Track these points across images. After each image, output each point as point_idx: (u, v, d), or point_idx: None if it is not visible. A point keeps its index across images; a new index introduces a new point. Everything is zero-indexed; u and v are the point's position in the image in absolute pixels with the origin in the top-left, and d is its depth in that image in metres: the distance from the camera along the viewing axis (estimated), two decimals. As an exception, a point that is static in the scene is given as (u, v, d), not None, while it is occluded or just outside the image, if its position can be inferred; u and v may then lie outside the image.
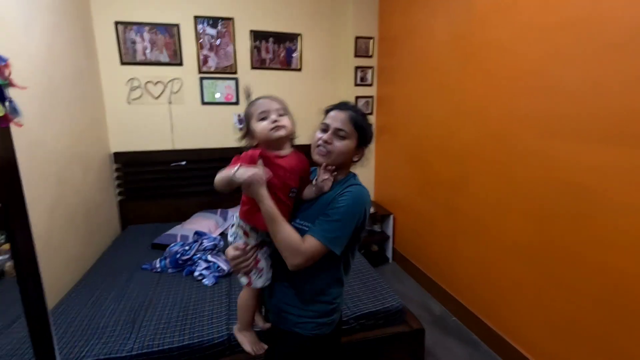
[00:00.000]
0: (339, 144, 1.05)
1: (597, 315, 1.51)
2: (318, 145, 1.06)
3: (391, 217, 3.30)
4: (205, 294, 1.94)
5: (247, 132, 1.07)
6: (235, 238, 1.11)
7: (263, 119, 1.01)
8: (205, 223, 2.80)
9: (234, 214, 1.88)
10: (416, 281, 2.96)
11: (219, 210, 3.09)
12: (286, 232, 0.99)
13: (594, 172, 1.48)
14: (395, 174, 3.25)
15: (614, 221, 1.42)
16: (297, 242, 0.99)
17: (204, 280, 2.09)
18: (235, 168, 0.95)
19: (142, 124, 3.06)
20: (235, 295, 1.91)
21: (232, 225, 1.14)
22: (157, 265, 2.25)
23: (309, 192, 1.10)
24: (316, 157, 1.08)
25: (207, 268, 2.17)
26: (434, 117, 2.60)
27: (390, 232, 3.33)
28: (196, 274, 2.14)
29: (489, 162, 2.08)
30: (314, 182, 1.12)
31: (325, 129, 1.07)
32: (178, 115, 3.14)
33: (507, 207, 1.96)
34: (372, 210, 3.30)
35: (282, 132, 1.01)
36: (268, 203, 0.97)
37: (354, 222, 1.03)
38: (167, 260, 2.26)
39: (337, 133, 1.05)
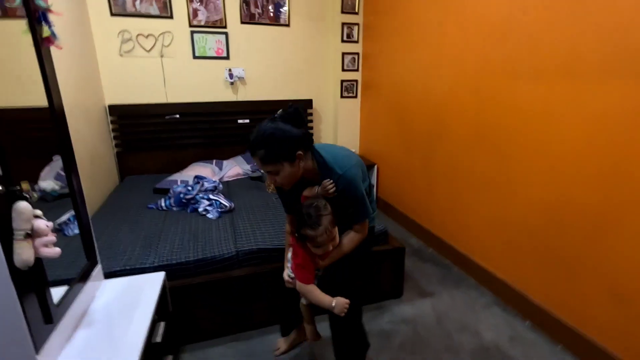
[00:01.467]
0: (280, 178, 1.22)
1: (541, 229, 1.83)
2: (275, 184, 1.30)
3: (375, 167, 3.56)
4: (211, 225, 2.16)
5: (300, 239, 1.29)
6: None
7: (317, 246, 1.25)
8: (202, 170, 2.98)
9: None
10: (398, 223, 3.28)
11: (214, 161, 3.26)
12: (340, 253, 1.34)
13: (550, 104, 1.75)
14: (379, 128, 3.49)
15: (561, 147, 1.71)
16: (353, 241, 1.34)
17: (208, 214, 2.31)
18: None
19: (134, 76, 3.13)
20: (239, 226, 2.15)
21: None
22: (162, 204, 2.45)
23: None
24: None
25: (210, 205, 2.38)
26: (415, 71, 2.81)
27: (374, 181, 3.60)
28: (200, 209, 2.35)
29: (463, 110, 2.32)
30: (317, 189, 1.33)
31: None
32: (170, 68, 3.21)
33: (476, 149, 2.24)
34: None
35: (320, 254, 1.30)
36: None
37: (363, 191, 1.31)
38: (172, 200, 2.45)
39: (270, 174, 1.23)
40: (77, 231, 1.29)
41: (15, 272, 0.86)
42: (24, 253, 0.85)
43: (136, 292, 1.36)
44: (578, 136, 1.61)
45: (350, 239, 1.34)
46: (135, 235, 2.02)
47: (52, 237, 0.94)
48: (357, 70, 3.68)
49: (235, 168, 3.26)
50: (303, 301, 1.47)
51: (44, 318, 0.98)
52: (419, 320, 1.99)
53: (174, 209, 2.43)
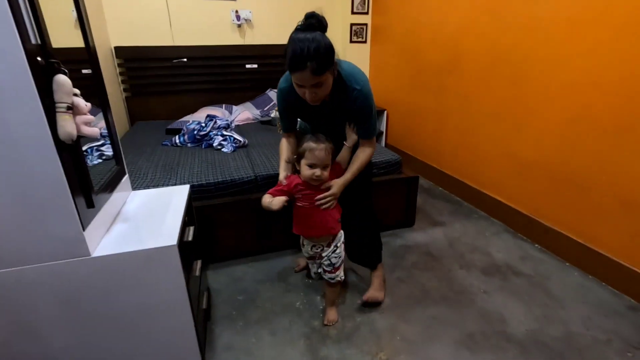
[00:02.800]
0: (322, 90, 1.21)
1: (555, 150, 1.85)
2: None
3: (385, 113, 3.54)
4: (227, 156, 2.19)
5: (299, 159, 1.34)
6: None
7: (311, 166, 1.29)
8: (213, 112, 2.97)
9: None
10: (408, 167, 3.30)
11: (224, 105, 3.24)
12: (360, 166, 1.41)
13: (574, 15, 1.71)
14: (389, 73, 3.43)
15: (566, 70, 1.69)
16: (369, 155, 1.43)
17: (223, 149, 2.33)
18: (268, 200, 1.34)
19: (140, 17, 3.05)
20: (255, 157, 2.17)
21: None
22: (177, 141, 2.46)
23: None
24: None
25: (224, 140, 2.39)
26: (428, 4, 2.72)
27: (383, 127, 3.60)
28: (215, 144, 2.37)
29: (479, 37, 2.28)
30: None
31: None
32: (175, 8, 3.12)
33: (491, 78, 2.21)
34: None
35: (316, 183, 1.34)
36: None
37: (375, 107, 1.40)
38: (186, 136, 2.47)
39: (314, 87, 1.19)
40: (96, 161, 1.29)
41: (60, 146, 0.89)
42: (67, 125, 0.88)
43: (165, 199, 1.41)
44: (601, 46, 1.59)
45: (365, 153, 1.42)
46: (153, 164, 2.05)
47: (91, 117, 0.96)
48: (367, 13, 3.56)
49: (245, 113, 3.24)
50: (313, 274, 1.61)
51: (86, 202, 1.03)
52: (431, 244, 2.06)
53: (189, 145, 2.45)
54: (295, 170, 1.42)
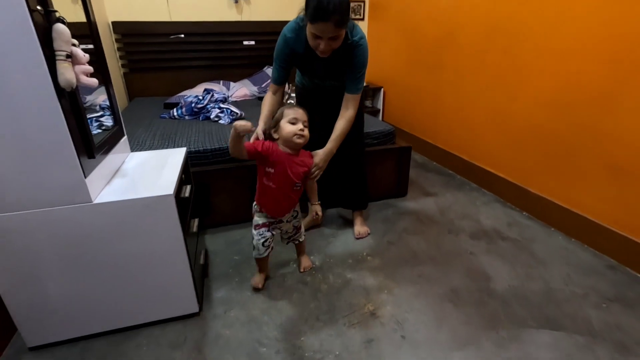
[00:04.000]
0: (336, 43, 1.32)
1: (546, 119, 1.89)
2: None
3: (381, 90, 3.56)
4: (224, 127, 2.23)
5: (275, 125, 1.33)
6: None
7: (293, 123, 1.28)
8: (211, 87, 3.00)
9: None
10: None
11: (222, 81, 3.27)
12: (343, 132, 1.52)
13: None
14: (386, 50, 3.43)
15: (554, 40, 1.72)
16: (350, 120, 1.53)
17: (220, 120, 2.37)
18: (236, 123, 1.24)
19: (136, -9, 3.04)
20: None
21: None
22: (175, 114, 2.50)
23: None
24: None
25: (221, 112, 2.43)
26: (426, -23, 2.72)
27: (380, 105, 3.62)
28: (212, 116, 2.41)
29: (474, 8, 2.29)
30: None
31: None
32: (172, -17, 3.11)
33: (486, 50, 2.23)
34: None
35: (301, 141, 1.30)
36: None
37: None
38: (184, 109, 2.51)
39: (331, 39, 1.29)
40: (95, 132, 1.32)
41: (60, 94, 0.94)
42: (66, 73, 0.92)
43: (162, 159, 1.46)
44: (592, 13, 1.61)
45: (346, 119, 1.54)
46: (151, 134, 2.10)
47: (89, 67, 1.00)
48: (364, -11, 3.55)
49: (242, 89, 3.27)
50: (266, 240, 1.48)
51: (87, 151, 1.08)
52: (422, 212, 2.13)
53: (186, 117, 2.49)
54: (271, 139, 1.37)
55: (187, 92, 2.92)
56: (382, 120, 3.66)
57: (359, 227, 1.89)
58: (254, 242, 1.44)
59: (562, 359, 1.17)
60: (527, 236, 1.87)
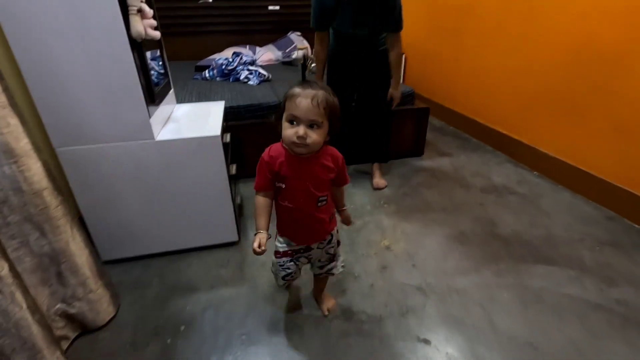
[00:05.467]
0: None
1: (560, 80, 1.97)
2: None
3: (403, 56, 3.61)
4: (254, 88, 2.40)
5: (279, 118, 0.92)
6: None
7: (292, 122, 0.87)
8: (239, 51, 3.14)
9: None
10: (421, 109, 3.44)
11: (248, 45, 3.40)
12: (397, 63, 1.89)
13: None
14: (407, 15, 3.41)
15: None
16: (399, 55, 1.90)
17: (249, 82, 2.54)
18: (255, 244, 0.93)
19: (168, -44, 3.15)
20: (279, 88, 2.37)
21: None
22: (206, 75, 2.68)
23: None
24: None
25: (250, 74, 2.59)
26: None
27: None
28: (241, 77, 2.57)
29: (499, -29, 2.31)
30: None
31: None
32: (201, -53, 3.19)
33: (506, 14, 2.28)
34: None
35: (302, 150, 0.89)
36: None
37: None
38: (215, 71, 2.68)
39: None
40: None
41: (133, 44, 1.12)
42: (137, 25, 1.10)
43: (205, 109, 1.65)
44: (610, -22, 1.66)
45: (396, 54, 1.84)
46: (188, 92, 2.29)
47: (154, 21, 1.18)
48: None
49: (267, 54, 3.39)
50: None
51: (150, 97, 1.28)
52: (437, 169, 2.28)
53: (217, 79, 2.66)
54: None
55: (216, 56, 3.08)
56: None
57: (378, 179, 2.06)
58: (273, 269, 1.14)
59: (552, 287, 1.35)
60: (535, 192, 2.00)
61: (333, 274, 1.18)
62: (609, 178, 1.79)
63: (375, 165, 2.12)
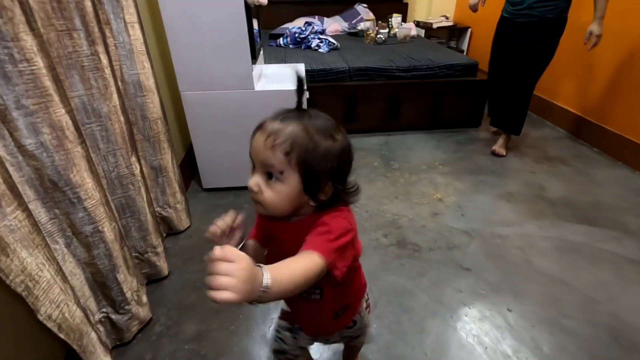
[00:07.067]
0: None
1: (625, 64, 1.96)
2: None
3: (468, 31, 3.61)
4: (324, 55, 2.63)
5: None
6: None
7: (254, 167, 0.57)
8: (310, 20, 3.37)
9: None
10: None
11: (317, 16, 3.61)
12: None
13: None
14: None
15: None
16: None
17: (319, 49, 2.77)
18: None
19: None
20: (347, 56, 2.58)
21: None
22: (281, 42, 2.95)
23: None
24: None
25: (320, 42, 2.82)
26: None
27: (464, 46, 3.70)
28: (312, 45, 2.81)
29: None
30: None
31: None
32: None
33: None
34: (450, 23, 3.65)
35: (260, 210, 0.57)
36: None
37: None
38: (288, 38, 2.94)
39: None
40: None
41: (248, 8, 1.41)
42: (253, -7, 1.37)
43: (288, 68, 1.93)
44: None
45: None
46: (266, 56, 2.58)
47: None
48: None
49: (334, 25, 3.58)
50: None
51: (252, 55, 1.57)
52: (492, 140, 2.38)
53: (290, 46, 2.93)
54: None
55: (288, 25, 3.33)
56: (465, 61, 3.74)
57: (500, 147, 2.17)
58: (268, 333, 1.00)
59: (592, 242, 1.49)
60: (591, 165, 2.06)
61: (356, 346, 0.91)
62: (671, 154, 1.81)
63: (504, 135, 2.19)
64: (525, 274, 1.34)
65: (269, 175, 0.53)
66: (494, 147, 2.19)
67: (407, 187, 1.88)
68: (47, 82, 0.75)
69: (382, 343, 1.11)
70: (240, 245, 0.61)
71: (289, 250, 0.52)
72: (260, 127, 0.55)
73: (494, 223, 1.61)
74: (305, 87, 0.57)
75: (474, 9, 2.17)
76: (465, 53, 3.72)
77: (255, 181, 0.54)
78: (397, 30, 3.20)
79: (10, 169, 0.72)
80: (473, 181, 1.93)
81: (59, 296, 0.71)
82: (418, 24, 3.64)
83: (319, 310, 0.67)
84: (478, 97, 2.46)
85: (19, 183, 0.74)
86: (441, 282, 1.31)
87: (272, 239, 0.66)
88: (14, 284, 0.64)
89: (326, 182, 0.55)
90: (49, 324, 0.69)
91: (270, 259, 0.57)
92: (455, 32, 3.72)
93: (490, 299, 1.24)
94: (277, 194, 0.54)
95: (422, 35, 3.61)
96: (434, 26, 3.57)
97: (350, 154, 0.58)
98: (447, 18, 3.75)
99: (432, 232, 1.56)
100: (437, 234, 1.55)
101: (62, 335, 0.72)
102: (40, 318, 0.67)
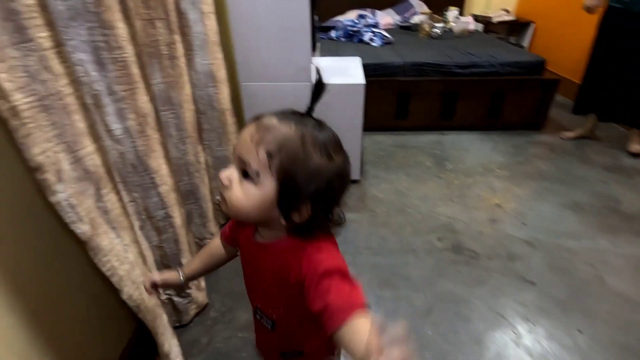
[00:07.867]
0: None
1: None
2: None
3: (530, 25, 3.38)
4: (377, 49, 2.57)
5: None
6: None
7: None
8: (363, 13, 3.30)
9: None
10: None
11: (369, 9, 3.52)
12: None
13: None
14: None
15: None
16: None
17: (372, 43, 2.71)
18: None
19: None
20: (401, 50, 2.50)
21: None
22: (332, 35, 2.92)
23: None
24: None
25: (374, 35, 2.75)
26: None
27: (526, 42, 3.46)
28: (365, 38, 2.75)
29: None
30: None
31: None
32: None
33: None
34: (512, 18, 3.44)
35: (224, 208, 0.50)
36: None
37: None
38: (341, 32, 2.90)
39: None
40: None
41: (312, 2, 1.38)
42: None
43: (343, 62, 1.92)
44: None
45: None
46: (319, 49, 2.55)
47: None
48: None
49: (386, 18, 3.48)
50: None
51: (312, 47, 1.55)
52: (555, 144, 2.22)
53: (342, 39, 2.88)
54: None
55: (340, 17, 3.28)
56: (524, 58, 3.51)
57: (636, 145, 2.05)
58: None
59: (677, 264, 1.34)
60: (672, 178, 1.86)
61: None
62: None
63: (636, 131, 2.08)
64: (597, 293, 1.23)
65: (244, 174, 0.46)
66: (630, 148, 2.05)
67: (462, 190, 1.79)
68: (135, 70, 0.77)
69: (437, 351, 1.07)
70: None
71: (261, 277, 0.52)
72: (256, 118, 0.48)
73: (559, 234, 1.49)
74: (324, 91, 0.50)
75: (591, 11, 1.93)
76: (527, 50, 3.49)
77: (228, 174, 0.47)
78: (453, 24, 3.05)
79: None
80: (534, 188, 1.81)
81: (139, 278, 0.73)
82: (476, 18, 3.46)
83: (268, 339, 0.65)
84: (543, 98, 2.29)
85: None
86: (501, 294, 1.24)
87: (241, 251, 0.61)
88: (101, 263, 0.67)
89: (306, 203, 0.46)
90: (130, 303, 0.72)
91: (246, 283, 0.60)
92: (516, 27, 3.49)
93: (557, 317, 1.16)
94: (245, 195, 0.46)
95: (481, 30, 3.43)
96: (494, 20, 3.37)
97: (344, 181, 0.49)
98: (507, 12, 3.52)
99: (491, 239, 1.48)
100: (495, 241, 1.47)
101: (140, 316, 0.75)
102: (124, 298, 0.70)
